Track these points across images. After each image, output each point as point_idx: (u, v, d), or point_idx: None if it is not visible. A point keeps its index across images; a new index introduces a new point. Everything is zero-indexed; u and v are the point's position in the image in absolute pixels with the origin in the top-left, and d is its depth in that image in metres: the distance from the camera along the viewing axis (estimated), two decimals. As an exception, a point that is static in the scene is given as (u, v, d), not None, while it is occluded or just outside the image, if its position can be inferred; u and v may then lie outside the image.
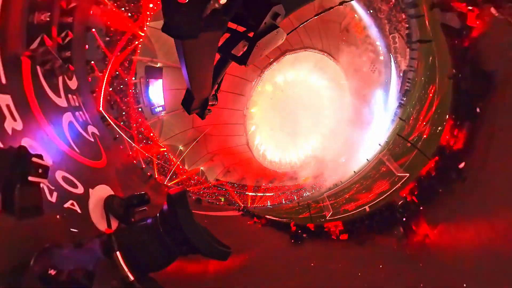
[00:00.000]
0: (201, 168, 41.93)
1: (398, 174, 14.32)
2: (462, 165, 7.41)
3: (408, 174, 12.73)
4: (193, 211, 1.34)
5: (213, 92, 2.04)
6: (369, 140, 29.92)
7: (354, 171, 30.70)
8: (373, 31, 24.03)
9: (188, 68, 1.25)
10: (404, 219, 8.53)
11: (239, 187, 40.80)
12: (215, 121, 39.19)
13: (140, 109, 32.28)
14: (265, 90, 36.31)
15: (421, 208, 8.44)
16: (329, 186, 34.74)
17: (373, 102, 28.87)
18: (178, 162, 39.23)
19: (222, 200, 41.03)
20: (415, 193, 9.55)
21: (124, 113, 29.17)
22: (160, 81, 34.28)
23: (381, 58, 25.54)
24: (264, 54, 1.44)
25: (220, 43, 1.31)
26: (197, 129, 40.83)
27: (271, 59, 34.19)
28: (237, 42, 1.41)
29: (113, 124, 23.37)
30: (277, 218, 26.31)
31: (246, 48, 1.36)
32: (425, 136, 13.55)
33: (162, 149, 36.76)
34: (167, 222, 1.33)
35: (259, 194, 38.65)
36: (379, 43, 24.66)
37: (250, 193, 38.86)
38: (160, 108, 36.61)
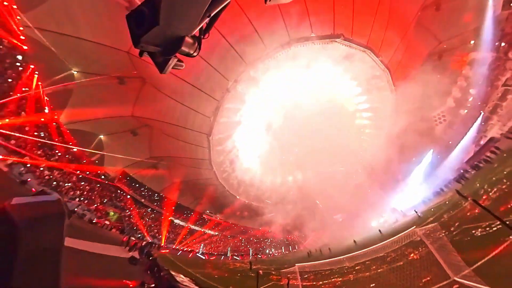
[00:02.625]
0: (101, 136, 20.16)
1: (459, 280, 7.11)
2: None
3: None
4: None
5: (197, 32, 1.05)
6: (388, 205, 21.53)
7: (355, 241, 20.79)
8: (477, 73, 17.78)
9: None
10: None
11: (153, 199, 20.52)
12: (172, 72, 20.92)
13: None
14: (279, 70, 23.02)
15: None
16: (309, 250, 22.97)
17: (416, 160, 21.62)
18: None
19: (113, 217, 19.41)
20: None
21: None
22: None
23: (463, 112, 19.30)
24: None
25: None
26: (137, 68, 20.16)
27: (313, 34, 22.33)
28: None
29: None
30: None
31: None
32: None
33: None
34: None
35: (189, 225, 20.99)
36: (474, 92, 18.46)
37: (173, 218, 20.34)
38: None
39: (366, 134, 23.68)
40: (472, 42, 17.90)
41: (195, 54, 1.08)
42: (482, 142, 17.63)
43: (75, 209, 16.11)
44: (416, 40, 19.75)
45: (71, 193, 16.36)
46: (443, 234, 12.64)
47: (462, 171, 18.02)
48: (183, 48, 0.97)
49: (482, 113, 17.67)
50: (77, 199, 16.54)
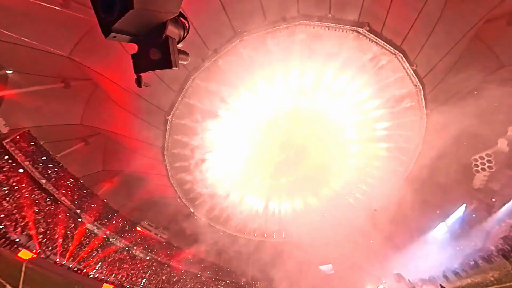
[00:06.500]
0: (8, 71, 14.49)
1: None
2: None
3: None
4: None
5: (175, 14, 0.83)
6: (393, 267, 15.77)
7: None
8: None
9: None
10: None
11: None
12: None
13: None
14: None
15: None
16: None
17: (441, 213, 16.12)
18: None
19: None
20: None
21: None
22: None
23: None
24: None
25: None
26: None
27: (330, 15, 17.10)
28: None
29: None
30: None
31: None
32: None
33: None
34: None
35: (106, 234, 14.09)
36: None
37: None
38: None
39: (378, 167, 18.06)
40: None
41: (185, 35, 0.88)
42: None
43: None
44: (469, 56, 14.93)
45: None
46: None
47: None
48: (169, 33, 0.76)
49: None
50: None
